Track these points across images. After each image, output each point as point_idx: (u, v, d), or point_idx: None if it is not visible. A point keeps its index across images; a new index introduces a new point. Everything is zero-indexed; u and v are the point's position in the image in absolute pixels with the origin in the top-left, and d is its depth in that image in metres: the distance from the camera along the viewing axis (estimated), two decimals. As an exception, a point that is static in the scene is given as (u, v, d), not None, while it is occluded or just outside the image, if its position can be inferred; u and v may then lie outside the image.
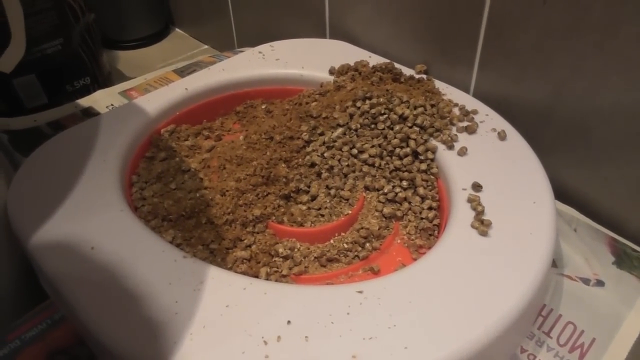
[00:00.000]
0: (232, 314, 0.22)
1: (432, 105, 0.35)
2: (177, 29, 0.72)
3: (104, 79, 0.56)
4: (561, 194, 0.35)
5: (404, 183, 0.32)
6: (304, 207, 0.31)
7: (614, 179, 0.33)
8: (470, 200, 0.28)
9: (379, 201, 0.32)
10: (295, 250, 0.29)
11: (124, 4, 0.64)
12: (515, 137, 0.33)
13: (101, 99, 0.46)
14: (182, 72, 0.50)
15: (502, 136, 0.32)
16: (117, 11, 0.65)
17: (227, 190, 0.31)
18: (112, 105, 0.45)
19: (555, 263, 0.30)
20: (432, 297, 0.23)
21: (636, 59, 0.29)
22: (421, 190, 0.31)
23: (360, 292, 0.24)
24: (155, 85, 0.48)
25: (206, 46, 0.68)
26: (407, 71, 0.39)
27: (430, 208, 0.31)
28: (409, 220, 0.31)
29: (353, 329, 0.22)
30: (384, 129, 0.33)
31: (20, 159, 0.39)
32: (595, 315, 0.28)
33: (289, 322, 0.22)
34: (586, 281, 0.30)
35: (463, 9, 0.36)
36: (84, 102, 0.46)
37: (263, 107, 0.40)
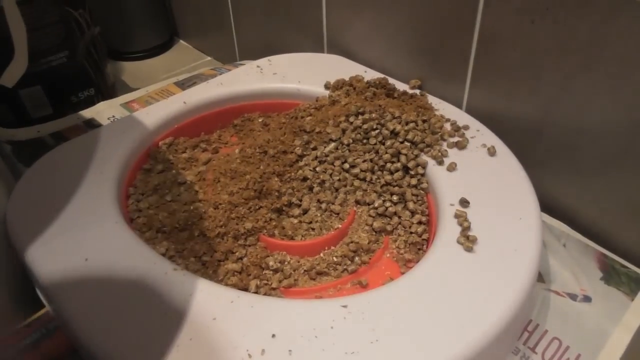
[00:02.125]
0: (218, 326, 0.23)
1: (424, 121, 0.35)
2: (181, 41, 0.73)
3: (108, 90, 0.58)
4: (551, 209, 0.35)
5: (394, 197, 0.32)
6: (295, 221, 0.32)
7: (603, 194, 0.33)
8: (457, 216, 0.29)
9: (370, 215, 0.32)
10: (286, 263, 0.30)
11: (129, 16, 0.66)
12: (504, 153, 0.33)
13: (103, 111, 0.47)
14: (183, 85, 0.51)
15: (491, 152, 0.33)
16: (122, 23, 0.66)
17: (220, 204, 0.31)
18: (113, 116, 0.47)
19: (543, 278, 0.31)
20: (415, 312, 0.24)
21: (621, 78, 0.29)
22: (411, 205, 0.32)
23: (345, 306, 0.24)
24: (156, 97, 0.49)
25: (209, 58, 0.69)
26: (402, 86, 0.40)
27: (419, 222, 0.31)
28: (399, 235, 0.31)
29: (336, 343, 0.22)
30: (375, 144, 0.34)
31: (22, 170, 0.40)
32: (581, 331, 0.28)
33: (273, 335, 0.23)
34: (573, 297, 0.30)
35: (455, 27, 0.36)
36: (87, 113, 0.47)
37: (260, 120, 0.41)
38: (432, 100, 0.38)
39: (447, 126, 0.35)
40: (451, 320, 0.23)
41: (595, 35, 0.29)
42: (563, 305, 0.29)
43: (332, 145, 0.34)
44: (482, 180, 0.31)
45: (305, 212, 0.32)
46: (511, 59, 0.34)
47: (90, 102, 0.54)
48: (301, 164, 0.34)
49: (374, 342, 0.22)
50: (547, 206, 0.35)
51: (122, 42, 0.68)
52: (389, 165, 0.33)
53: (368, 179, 0.33)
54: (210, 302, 0.24)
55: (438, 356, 0.22)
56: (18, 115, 0.51)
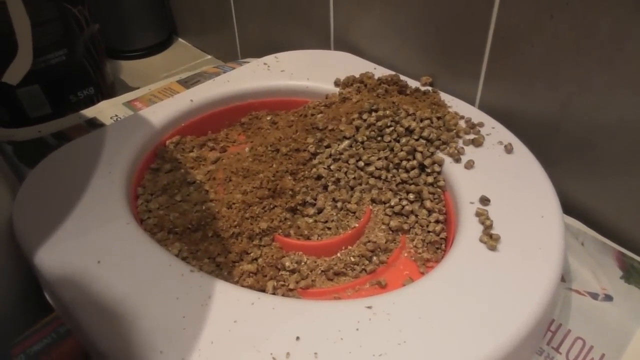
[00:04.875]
0: (240, 329, 0.22)
1: (439, 118, 0.35)
2: (181, 39, 0.72)
3: (108, 89, 0.57)
4: (568, 207, 0.35)
5: (411, 196, 0.32)
6: (311, 220, 0.31)
7: (621, 192, 0.33)
8: (478, 214, 0.28)
9: (386, 214, 0.32)
10: (302, 263, 0.29)
11: (127, 14, 0.65)
12: (522, 150, 0.33)
13: (106, 110, 0.46)
14: (186, 83, 0.50)
15: (508, 149, 0.32)
16: (120, 21, 0.65)
17: (234, 203, 0.30)
18: (116, 116, 0.45)
19: (564, 277, 0.30)
20: (441, 313, 0.23)
21: (643, 74, 0.29)
22: (428, 203, 0.31)
23: (370, 307, 0.23)
24: (160, 96, 0.48)
25: (209, 56, 0.68)
26: (413, 83, 0.39)
27: (437, 221, 0.31)
28: (416, 234, 0.31)
29: (363, 346, 0.22)
30: (390, 141, 0.33)
31: (25, 170, 0.39)
32: (604, 330, 0.28)
33: (297, 338, 0.22)
34: (594, 296, 0.29)
35: (469, 22, 0.36)
36: (89, 112, 0.46)
37: (268, 118, 0.40)
38: (444, 97, 0.38)
39: (462, 123, 0.35)
40: (479, 321, 0.23)
41: (616, 30, 0.29)
42: (585, 304, 0.29)
43: (346, 142, 0.34)
44: (501, 178, 0.30)
45: (320, 211, 0.32)
46: (528, 55, 0.33)
47: (90, 102, 0.53)
48: (315, 162, 0.33)
49: (401, 343, 0.22)
50: (563, 204, 0.34)
51: (120, 41, 0.67)
52: (404, 163, 0.32)
53: (383, 177, 0.33)
54: (230, 304, 0.23)
55: (467, 357, 0.21)
56: (16, 115, 0.50)
